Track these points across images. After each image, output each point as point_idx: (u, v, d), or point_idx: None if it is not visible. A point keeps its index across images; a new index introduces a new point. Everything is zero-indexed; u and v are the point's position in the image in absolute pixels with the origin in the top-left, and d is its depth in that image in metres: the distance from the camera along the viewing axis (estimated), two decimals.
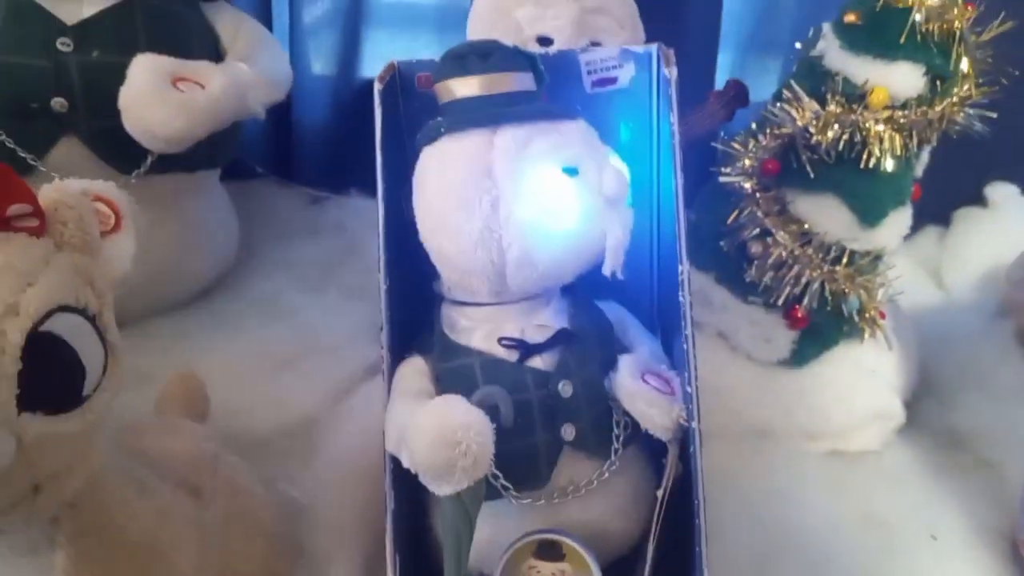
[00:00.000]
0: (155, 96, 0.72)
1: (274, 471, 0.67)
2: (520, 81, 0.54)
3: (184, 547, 0.50)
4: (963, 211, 1.08)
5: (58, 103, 0.76)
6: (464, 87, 0.54)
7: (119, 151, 0.77)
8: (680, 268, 0.54)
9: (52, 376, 0.39)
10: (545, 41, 0.72)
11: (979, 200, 1.08)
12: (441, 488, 0.45)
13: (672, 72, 0.55)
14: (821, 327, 0.74)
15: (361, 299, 0.90)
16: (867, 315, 0.74)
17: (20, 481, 0.39)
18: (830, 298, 0.72)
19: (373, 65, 1.12)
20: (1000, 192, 1.06)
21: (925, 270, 1.02)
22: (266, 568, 0.56)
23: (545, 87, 0.57)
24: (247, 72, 0.81)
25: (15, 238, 0.40)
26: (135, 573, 0.46)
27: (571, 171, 0.52)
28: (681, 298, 0.54)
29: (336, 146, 1.12)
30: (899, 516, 0.68)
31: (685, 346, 0.53)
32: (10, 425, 0.37)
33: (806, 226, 0.71)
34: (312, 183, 1.14)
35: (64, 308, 0.40)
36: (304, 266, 0.97)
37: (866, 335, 0.75)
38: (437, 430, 0.44)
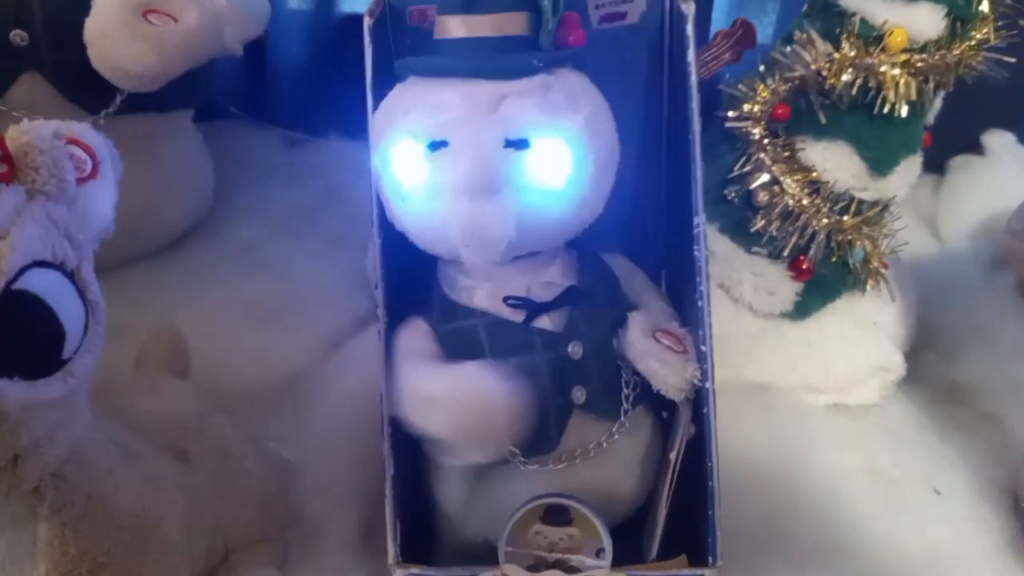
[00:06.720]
0: (124, 29, 0.67)
1: (261, 428, 0.64)
2: (514, 24, 0.48)
3: (172, 514, 0.47)
4: (959, 159, 1.06)
5: (18, 36, 0.71)
6: (449, 26, 0.48)
7: (85, 89, 0.72)
8: (696, 220, 0.51)
9: (29, 338, 0.36)
10: None
11: (975, 148, 1.06)
12: (465, 458, 0.43)
13: (689, 8, 0.52)
14: (825, 278, 0.72)
15: (345, 248, 0.87)
16: (871, 266, 0.72)
17: None
18: (836, 249, 0.70)
19: None
20: (997, 140, 1.04)
21: (920, 219, 1.00)
22: (258, 532, 0.54)
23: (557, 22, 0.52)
24: (223, 4, 0.75)
25: None
26: (122, 543, 0.44)
27: (519, 144, 0.46)
28: (696, 252, 0.51)
29: (314, 86, 1.07)
30: (903, 470, 0.67)
31: (700, 303, 0.51)
32: None
33: (815, 174, 0.68)
34: (289, 125, 1.09)
35: (39, 263, 0.37)
36: (283, 212, 0.93)
37: (868, 286, 0.73)
38: (477, 401, 0.42)
